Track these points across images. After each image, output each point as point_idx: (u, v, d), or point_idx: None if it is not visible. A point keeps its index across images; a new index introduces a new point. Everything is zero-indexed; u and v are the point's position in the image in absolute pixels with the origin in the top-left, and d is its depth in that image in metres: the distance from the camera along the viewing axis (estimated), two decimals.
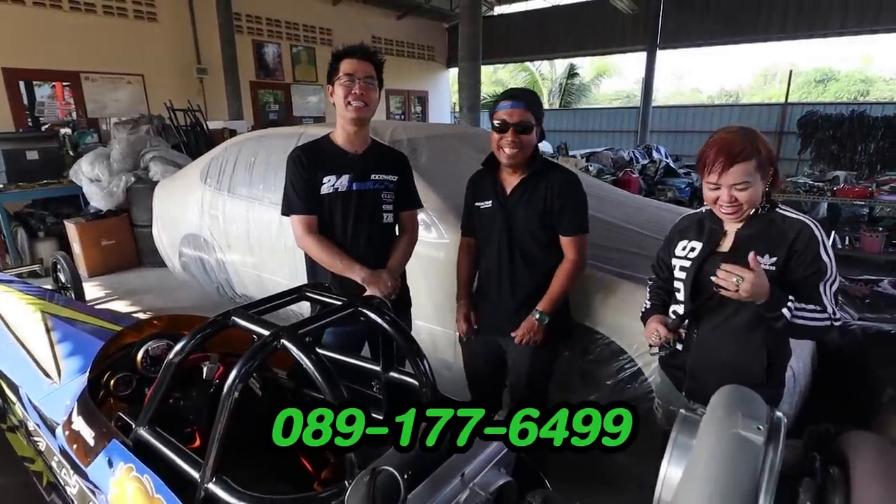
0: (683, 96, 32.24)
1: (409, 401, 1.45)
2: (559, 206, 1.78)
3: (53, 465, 1.66)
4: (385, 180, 1.93)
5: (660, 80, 14.10)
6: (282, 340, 1.01)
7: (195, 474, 1.02)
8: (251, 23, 10.17)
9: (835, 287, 1.31)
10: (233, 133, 6.59)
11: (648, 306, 1.59)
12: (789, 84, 12.48)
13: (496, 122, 1.76)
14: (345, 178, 1.86)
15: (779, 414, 0.66)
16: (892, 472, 0.55)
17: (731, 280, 1.18)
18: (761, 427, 0.60)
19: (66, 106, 7.84)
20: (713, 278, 1.25)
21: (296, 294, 1.37)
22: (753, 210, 1.36)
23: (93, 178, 5.39)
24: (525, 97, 1.77)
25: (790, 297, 1.23)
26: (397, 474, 0.86)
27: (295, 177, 1.86)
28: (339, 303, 1.25)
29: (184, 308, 4.27)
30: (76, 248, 5.22)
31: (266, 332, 1.03)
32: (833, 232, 4.55)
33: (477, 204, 1.92)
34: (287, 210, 1.90)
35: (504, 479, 0.95)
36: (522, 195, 1.81)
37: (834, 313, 1.28)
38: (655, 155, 10.14)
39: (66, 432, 1.51)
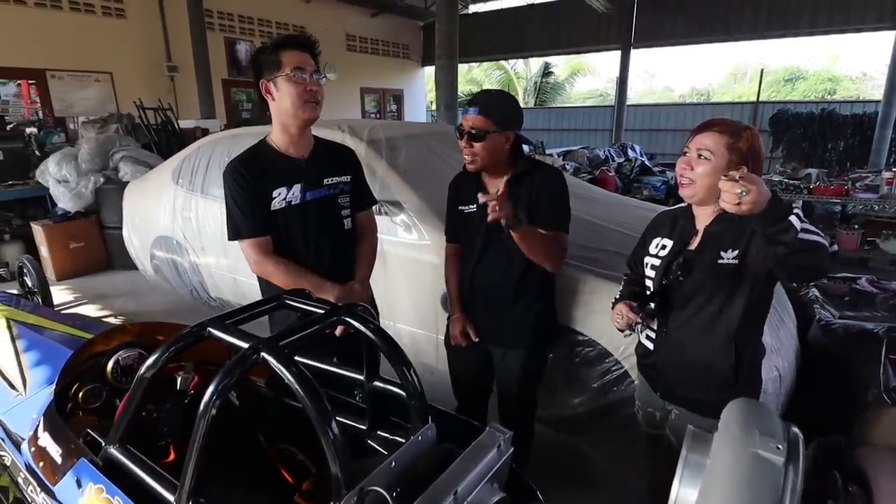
0: (656, 94, 32.58)
1: (392, 411, 1.41)
2: (536, 199, 1.70)
3: (20, 481, 1.58)
4: (340, 183, 1.75)
5: (633, 78, 14.24)
6: (262, 353, 0.95)
7: (170, 497, 0.96)
8: (223, 20, 9.92)
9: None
10: (205, 132, 6.41)
11: (619, 295, 1.56)
12: (760, 83, 12.74)
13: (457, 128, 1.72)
14: (296, 189, 1.64)
15: (795, 429, 0.63)
16: None
17: (735, 191, 1.03)
18: (780, 447, 0.57)
19: (31, 105, 7.54)
20: (721, 194, 1.07)
21: (274, 302, 1.30)
22: (720, 209, 1.29)
23: (60, 179, 5.22)
24: (481, 102, 1.67)
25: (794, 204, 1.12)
26: (386, 494, 0.81)
27: (237, 195, 1.60)
28: (321, 311, 1.19)
29: (155, 311, 4.17)
30: (43, 251, 5.06)
31: (245, 345, 0.97)
32: None
33: (461, 208, 1.84)
34: (235, 234, 1.63)
35: (498, 496, 0.91)
36: (508, 199, 1.72)
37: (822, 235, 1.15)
38: (630, 153, 10.17)
39: (33, 448, 1.43)
